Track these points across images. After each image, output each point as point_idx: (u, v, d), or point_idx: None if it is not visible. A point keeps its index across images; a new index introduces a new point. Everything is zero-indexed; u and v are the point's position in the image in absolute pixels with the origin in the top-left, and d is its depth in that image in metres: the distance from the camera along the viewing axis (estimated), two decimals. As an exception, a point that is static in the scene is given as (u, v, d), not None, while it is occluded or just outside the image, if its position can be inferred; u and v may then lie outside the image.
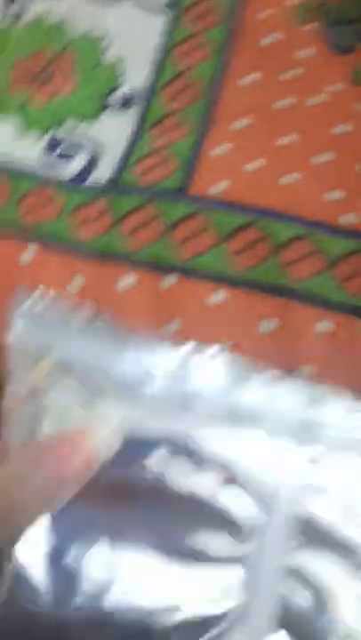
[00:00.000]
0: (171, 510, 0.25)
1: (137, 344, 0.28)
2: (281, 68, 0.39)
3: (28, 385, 0.28)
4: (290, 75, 0.39)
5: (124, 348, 0.28)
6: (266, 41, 0.40)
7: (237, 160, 0.37)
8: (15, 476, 0.24)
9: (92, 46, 0.41)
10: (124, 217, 0.36)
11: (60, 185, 0.38)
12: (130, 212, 0.36)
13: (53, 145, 0.39)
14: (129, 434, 0.26)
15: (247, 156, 0.37)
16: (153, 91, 0.40)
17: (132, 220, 0.36)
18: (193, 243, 0.35)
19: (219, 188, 0.36)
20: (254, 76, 0.39)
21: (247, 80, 0.39)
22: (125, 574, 0.25)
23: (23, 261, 0.36)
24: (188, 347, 0.28)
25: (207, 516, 0.25)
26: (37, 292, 0.29)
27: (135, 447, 0.26)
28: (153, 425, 0.27)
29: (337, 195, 0.36)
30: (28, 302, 0.28)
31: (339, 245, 0.34)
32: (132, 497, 0.26)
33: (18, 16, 0.42)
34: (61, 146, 0.39)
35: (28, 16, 0.42)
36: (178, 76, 0.40)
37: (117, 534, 0.25)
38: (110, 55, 0.41)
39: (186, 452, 0.26)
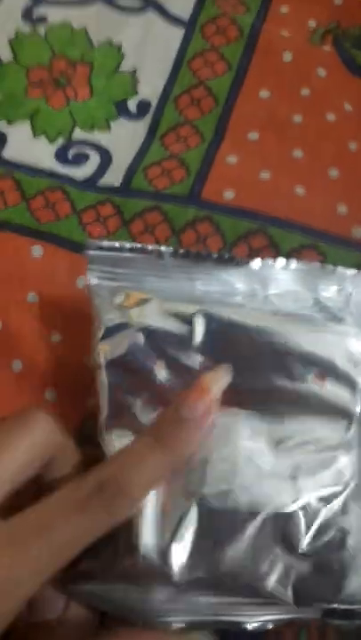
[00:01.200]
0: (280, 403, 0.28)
1: (209, 267, 0.30)
2: (297, 85, 0.40)
3: (118, 320, 0.29)
4: (305, 92, 0.40)
5: (198, 273, 0.30)
6: (283, 58, 0.40)
7: (249, 170, 0.37)
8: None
9: (110, 54, 0.42)
10: (133, 219, 0.36)
11: (72, 187, 0.38)
12: (138, 215, 0.36)
13: (66, 148, 0.40)
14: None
15: (259, 166, 0.37)
16: (167, 100, 0.40)
17: (141, 223, 0.36)
18: (200, 247, 0.35)
19: (229, 195, 0.36)
20: (270, 91, 0.40)
21: (263, 95, 0.40)
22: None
23: (34, 256, 0.35)
24: (258, 262, 0.30)
25: (313, 407, 0.28)
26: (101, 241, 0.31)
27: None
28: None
29: (345, 209, 0.36)
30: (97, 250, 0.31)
31: (346, 257, 0.34)
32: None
33: (41, 20, 0.43)
34: (74, 150, 0.39)
35: (53, 20, 0.43)
36: (193, 86, 0.40)
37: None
38: (128, 63, 0.42)
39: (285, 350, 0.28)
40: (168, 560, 0.25)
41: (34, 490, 0.26)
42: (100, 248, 0.30)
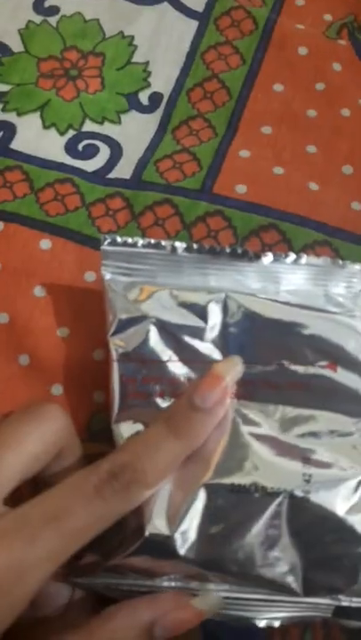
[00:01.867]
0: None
1: (223, 262, 0.31)
2: (311, 80, 0.39)
3: (132, 314, 0.29)
4: (320, 86, 0.39)
5: (208, 268, 0.31)
6: (299, 52, 0.40)
7: (262, 164, 0.37)
8: None
9: (123, 46, 0.41)
10: (143, 213, 0.36)
11: (81, 179, 0.37)
12: (149, 208, 0.36)
13: (77, 141, 0.39)
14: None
15: (272, 161, 0.37)
16: (180, 93, 0.40)
17: (151, 217, 0.36)
18: (211, 241, 0.34)
19: (241, 189, 0.36)
20: (284, 85, 0.39)
21: (277, 88, 0.39)
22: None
23: (41, 249, 0.35)
24: (270, 257, 0.31)
25: (326, 392, 0.28)
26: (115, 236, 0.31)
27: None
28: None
29: (359, 205, 0.35)
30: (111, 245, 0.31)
31: (360, 253, 0.34)
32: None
33: (53, 10, 0.43)
34: (84, 142, 0.39)
35: (65, 11, 0.42)
36: (206, 79, 0.40)
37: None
38: (140, 55, 0.41)
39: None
40: (175, 544, 0.25)
41: (31, 485, 0.26)
42: (115, 243, 0.30)
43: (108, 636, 0.24)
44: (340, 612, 0.26)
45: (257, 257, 0.30)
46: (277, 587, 0.26)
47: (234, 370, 0.27)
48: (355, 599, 0.26)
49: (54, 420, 0.26)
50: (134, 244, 0.31)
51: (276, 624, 0.26)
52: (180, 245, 0.30)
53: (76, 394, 0.32)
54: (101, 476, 0.24)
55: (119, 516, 0.24)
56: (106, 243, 0.31)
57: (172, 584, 0.26)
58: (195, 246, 0.31)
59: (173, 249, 0.30)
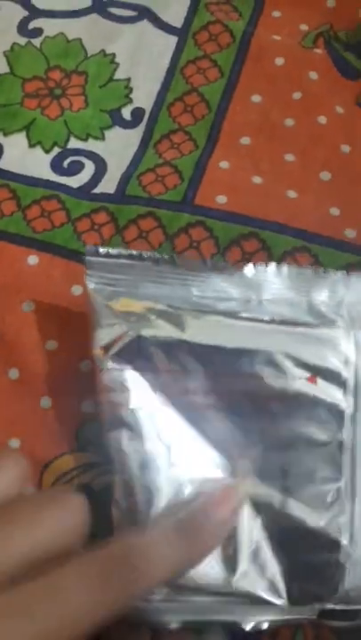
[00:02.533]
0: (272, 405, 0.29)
1: (204, 274, 0.31)
2: (288, 89, 0.40)
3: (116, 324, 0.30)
4: (297, 95, 0.40)
5: (193, 280, 0.31)
6: (275, 62, 0.41)
7: (241, 175, 0.37)
8: None
9: (104, 64, 0.43)
10: (127, 226, 0.37)
11: (67, 195, 0.38)
12: (133, 222, 0.37)
13: (62, 158, 0.40)
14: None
15: (251, 171, 0.38)
16: (161, 107, 0.41)
17: (135, 230, 0.36)
18: (193, 252, 0.35)
19: (221, 200, 0.37)
20: (261, 96, 0.40)
21: (255, 99, 0.40)
22: None
23: (29, 265, 0.36)
24: (251, 268, 0.31)
25: (304, 406, 0.28)
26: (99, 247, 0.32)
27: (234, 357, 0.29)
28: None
29: (337, 211, 0.36)
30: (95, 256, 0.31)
31: (339, 258, 0.34)
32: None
33: (37, 32, 0.44)
34: (70, 159, 0.40)
35: (48, 32, 0.44)
36: (186, 93, 0.41)
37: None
38: (122, 72, 0.42)
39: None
40: None
41: None
42: (98, 254, 0.31)
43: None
44: (325, 614, 0.27)
45: (238, 269, 0.31)
46: (261, 601, 0.26)
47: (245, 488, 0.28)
48: (338, 605, 0.27)
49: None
50: (118, 256, 0.31)
51: (265, 626, 0.27)
52: (161, 257, 0.31)
53: (64, 405, 0.33)
54: (104, 560, 0.23)
55: (119, 608, 0.22)
56: (90, 253, 0.31)
57: (162, 593, 0.27)
58: (176, 258, 0.31)
59: (156, 260, 0.31)
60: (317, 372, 0.29)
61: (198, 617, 0.27)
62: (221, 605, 0.27)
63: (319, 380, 0.29)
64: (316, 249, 0.35)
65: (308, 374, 0.29)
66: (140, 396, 0.29)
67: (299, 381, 0.29)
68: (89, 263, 0.31)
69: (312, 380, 0.29)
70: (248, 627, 0.27)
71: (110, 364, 0.29)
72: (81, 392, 0.33)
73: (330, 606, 0.27)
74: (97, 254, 0.31)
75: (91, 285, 0.31)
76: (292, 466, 0.27)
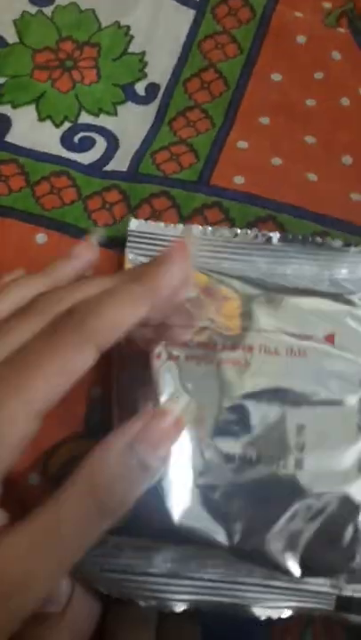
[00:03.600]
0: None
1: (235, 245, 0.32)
2: (310, 69, 0.39)
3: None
4: (318, 75, 0.38)
5: (224, 252, 0.32)
6: (297, 41, 0.39)
7: (260, 155, 0.36)
8: None
9: (118, 37, 0.41)
10: (140, 205, 0.35)
11: (77, 172, 0.37)
12: (145, 201, 0.35)
13: (72, 133, 0.38)
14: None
15: (270, 152, 0.36)
16: (176, 83, 0.39)
17: (148, 209, 0.35)
18: (209, 234, 0.34)
19: (239, 180, 0.35)
20: (282, 75, 0.38)
21: (275, 78, 0.38)
22: None
23: (37, 243, 0.35)
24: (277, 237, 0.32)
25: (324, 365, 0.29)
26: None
27: None
28: None
29: (358, 196, 0.35)
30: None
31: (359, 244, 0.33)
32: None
33: (49, 1, 0.42)
34: (81, 134, 0.38)
35: (60, 1, 0.42)
36: (203, 69, 0.39)
37: None
38: (136, 45, 0.41)
39: None
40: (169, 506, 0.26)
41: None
42: (141, 225, 0.33)
43: (87, 473, 0.23)
44: (343, 603, 0.26)
45: (267, 239, 0.32)
46: (273, 565, 0.26)
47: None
48: (357, 588, 0.26)
49: None
50: (158, 229, 0.33)
51: (275, 615, 0.26)
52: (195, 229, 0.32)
53: (72, 390, 0.32)
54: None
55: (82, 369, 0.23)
56: (133, 225, 0.33)
57: (168, 565, 0.26)
58: (209, 229, 0.32)
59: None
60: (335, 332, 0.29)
61: (206, 597, 0.26)
62: (229, 584, 0.26)
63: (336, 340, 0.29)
64: (336, 235, 0.34)
65: (324, 333, 0.29)
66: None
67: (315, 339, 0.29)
68: (131, 234, 0.33)
69: (329, 339, 0.29)
70: (260, 613, 0.26)
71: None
72: (89, 377, 0.32)
73: (347, 593, 0.26)
74: (140, 225, 0.33)
75: (130, 256, 0.32)
76: (305, 427, 0.27)
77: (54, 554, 0.23)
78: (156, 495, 0.26)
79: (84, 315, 0.23)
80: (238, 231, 0.32)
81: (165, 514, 0.26)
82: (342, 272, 0.31)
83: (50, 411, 0.30)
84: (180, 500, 0.27)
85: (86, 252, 0.29)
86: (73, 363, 0.24)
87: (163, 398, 0.28)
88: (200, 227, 0.32)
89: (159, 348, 0.29)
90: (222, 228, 0.33)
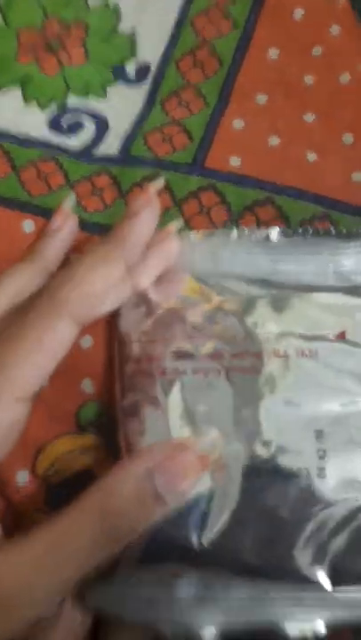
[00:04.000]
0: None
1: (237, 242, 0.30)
2: (308, 45, 0.37)
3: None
4: (317, 51, 0.37)
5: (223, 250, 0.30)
6: (294, 15, 0.37)
7: (256, 135, 0.35)
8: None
9: (107, 15, 0.39)
10: (131, 190, 0.34)
11: (65, 157, 0.35)
12: (137, 185, 0.34)
13: (60, 116, 0.37)
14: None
15: (267, 131, 0.35)
16: (168, 63, 0.37)
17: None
18: (203, 218, 0.32)
19: (235, 162, 0.34)
20: (279, 51, 0.37)
21: (271, 54, 0.37)
22: None
23: (25, 231, 0.33)
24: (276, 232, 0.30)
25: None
26: None
27: None
28: None
29: (360, 176, 0.33)
30: None
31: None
32: None
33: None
34: (69, 117, 0.37)
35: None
36: (196, 47, 0.37)
37: None
38: (126, 24, 0.39)
39: None
40: (188, 528, 0.25)
41: None
42: None
43: (100, 496, 0.23)
44: None
45: (266, 236, 0.30)
46: (302, 580, 0.24)
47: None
48: None
49: None
50: None
51: (308, 630, 0.24)
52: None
53: (63, 384, 0.30)
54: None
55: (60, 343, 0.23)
56: None
57: (192, 590, 0.24)
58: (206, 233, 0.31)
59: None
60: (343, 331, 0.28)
61: (234, 617, 0.25)
62: (258, 601, 0.24)
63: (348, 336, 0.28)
64: (337, 216, 0.32)
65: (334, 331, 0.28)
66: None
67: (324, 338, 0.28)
68: None
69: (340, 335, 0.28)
70: (291, 629, 0.24)
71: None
72: (80, 370, 0.30)
73: None
74: None
75: None
76: (325, 425, 0.26)
77: (57, 574, 0.22)
78: (178, 519, 0.25)
79: (56, 286, 0.23)
80: (235, 231, 0.30)
81: (188, 537, 0.25)
82: (347, 263, 0.29)
83: (38, 405, 0.29)
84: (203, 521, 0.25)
85: (65, 222, 0.29)
86: (49, 337, 0.23)
87: (172, 423, 0.26)
88: (197, 232, 0.30)
89: (163, 363, 0.27)
90: (218, 229, 0.31)
